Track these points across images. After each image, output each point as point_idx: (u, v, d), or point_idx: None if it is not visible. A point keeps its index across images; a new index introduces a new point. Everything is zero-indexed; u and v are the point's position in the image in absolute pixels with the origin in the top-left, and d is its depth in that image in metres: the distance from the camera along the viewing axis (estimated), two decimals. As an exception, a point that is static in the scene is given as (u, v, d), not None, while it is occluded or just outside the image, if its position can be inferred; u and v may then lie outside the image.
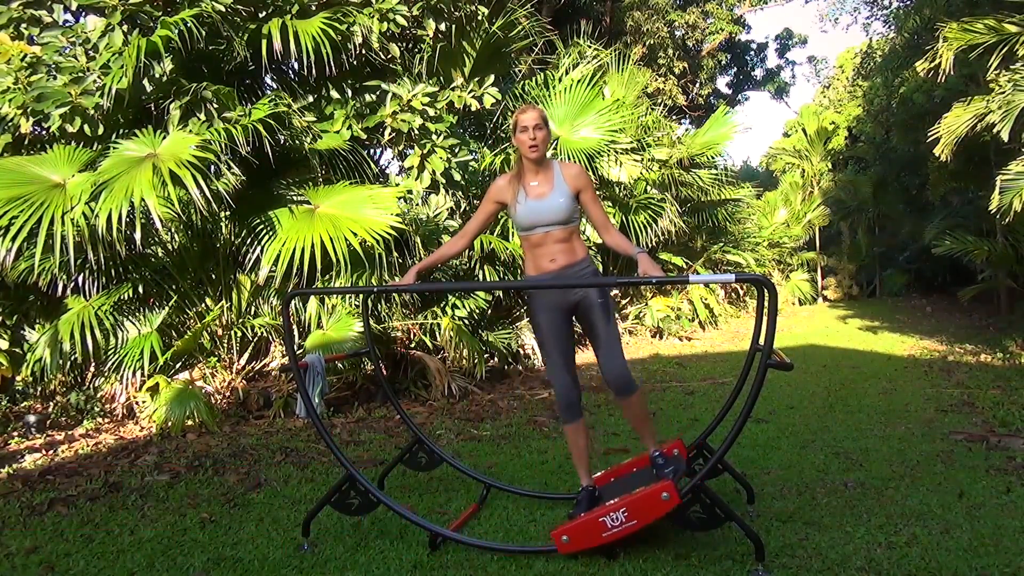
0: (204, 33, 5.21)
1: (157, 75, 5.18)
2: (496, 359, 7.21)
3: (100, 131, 5.23)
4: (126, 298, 5.53)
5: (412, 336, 6.22)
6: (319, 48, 5.63)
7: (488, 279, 6.69)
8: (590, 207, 2.97)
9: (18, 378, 5.55)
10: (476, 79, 6.73)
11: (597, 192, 9.13)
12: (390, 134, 6.20)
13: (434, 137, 6.19)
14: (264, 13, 5.89)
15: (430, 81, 6.58)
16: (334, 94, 6.35)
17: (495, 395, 6.28)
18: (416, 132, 6.14)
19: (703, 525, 2.56)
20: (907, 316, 14.89)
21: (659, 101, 16.16)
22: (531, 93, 8.28)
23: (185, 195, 4.71)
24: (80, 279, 5.47)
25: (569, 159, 7.92)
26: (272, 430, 4.99)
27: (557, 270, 2.93)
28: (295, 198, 5.70)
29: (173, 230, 5.55)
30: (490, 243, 6.68)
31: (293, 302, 5.75)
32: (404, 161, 6.47)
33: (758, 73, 27.22)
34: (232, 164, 5.21)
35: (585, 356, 9.04)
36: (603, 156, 8.19)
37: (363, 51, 6.22)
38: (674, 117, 16.02)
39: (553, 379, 3.04)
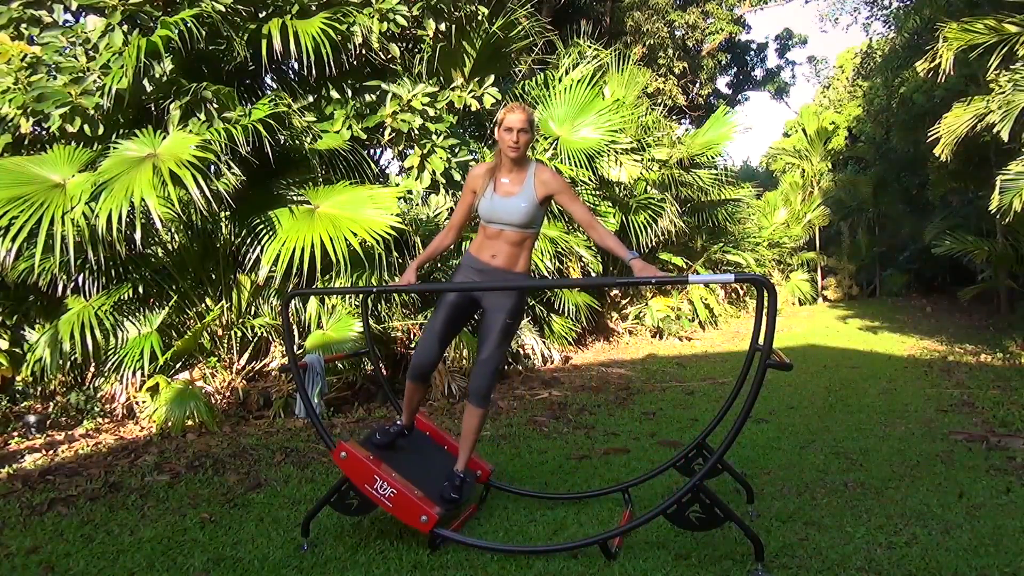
0: (204, 33, 5.21)
1: (157, 75, 5.18)
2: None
3: (100, 131, 5.23)
4: (126, 298, 5.52)
5: (412, 336, 6.22)
6: (319, 48, 5.63)
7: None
8: (569, 207, 2.97)
9: (18, 378, 5.54)
10: (476, 79, 6.73)
11: (597, 191, 9.13)
12: (390, 134, 6.20)
13: (434, 137, 6.19)
14: (264, 13, 5.89)
15: (430, 81, 6.58)
16: (334, 94, 6.35)
17: (495, 395, 6.28)
18: (416, 132, 6.14)
19: (703, 525, 2.56)
20: (907, 316, 14.90)
21: (659, 101, 16.16)
22: (531, 93, 8.29)
23: (185, 195, 4.71)
24: (80, 279, 5.46)
25: (569, 159, 7.92)
26: (272, 430, 4.99)
27: (491, 268, 2.99)
28: (295, 198, 5.70)
29: (173, 230, 5.55)
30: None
31: (293, 302, 5.75)
32: (404, 161, 6.47)
33: (758, 73, 27.23)
34: (232, 164, 5.21)
35: (587, 357, 9.04)
36: (603, 156, 8.19)
37: (363, 51, 6.22)
38: (674, 117, 16.03)
39: (421, 348, 3.11)
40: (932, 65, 8.66)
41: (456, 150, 6.49)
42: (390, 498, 2.71)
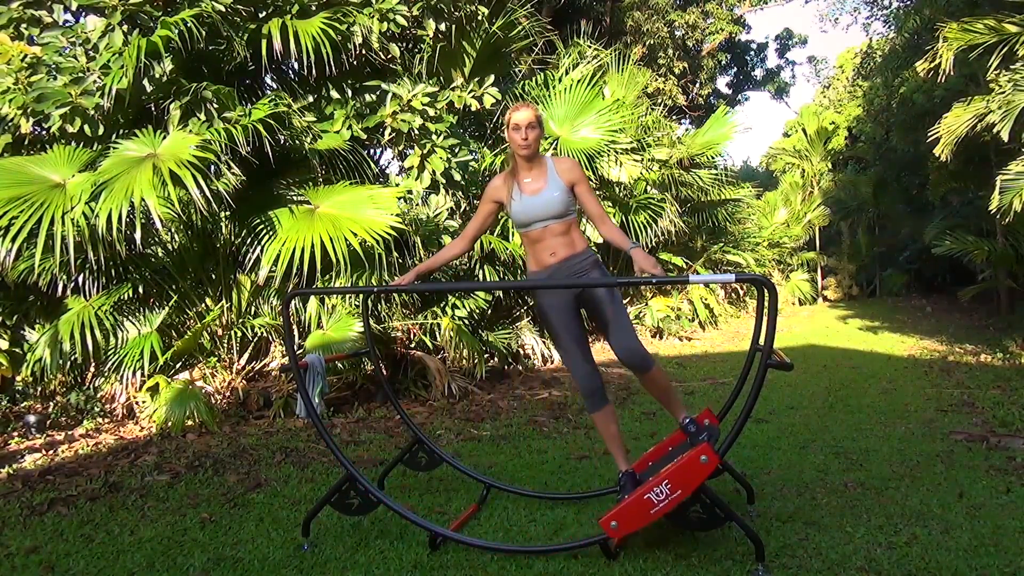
0: (204, 33, 5.21)
1: (157, 75, 5.18)
2: (496, 359, 7.21)
3: (100, 131, 5.22)
4: (126, 298, 5.53)
5: (412, 336, 6.22)
6: (319, 48, 5.63)
7: (488, 279, 6.68)
8: (584, 200, 2.98)
9: (18, 378, 5.54)
10: (476, 79, 6.73)
11: (597, 191, 9.14)
12: (390, 134, 6.20)
13: (434, 137, 6.19)
14: (264, 13, 5.88)
15: (430, 81, 6.57)
16: (334, 94, 6.35)
17: (495, 395, 6.28)
18: (416, 132, 6.14)
19: (703, 525, 2.56)
20: (907, 316, 14.90)
21: (659, 101, 16.15)
22: (531, 93, 8.28)
23: (185, 195, 4.71)
24: (80, 279, 5.46)
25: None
26: (272, 430, 4.99)
27: (558, 263, 2.94)
28: (295, 198, 5.70)
29: (173, 230, 5.55)
30: (490, 243, 6.68)
31: (293, 302, 5.75)
32: (404, 161, 6.46)
33: (758, 73, 27.23)
34: (232, 164, 5.21)
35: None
36: (603, 156, 8.19)
37: (363, 51, 6.22)
38: (674, 117, 16.02)
39: (573, 370, 3.07)
40: (932, 65, 8.65)
41: (456, 150, 6.49)
42: (672, 487, 2.52)
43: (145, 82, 5.15)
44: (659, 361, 8.28)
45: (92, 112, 5.12)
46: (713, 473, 2.93)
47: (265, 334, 5.74)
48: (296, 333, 5.77)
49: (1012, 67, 7.90)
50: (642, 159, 9.46)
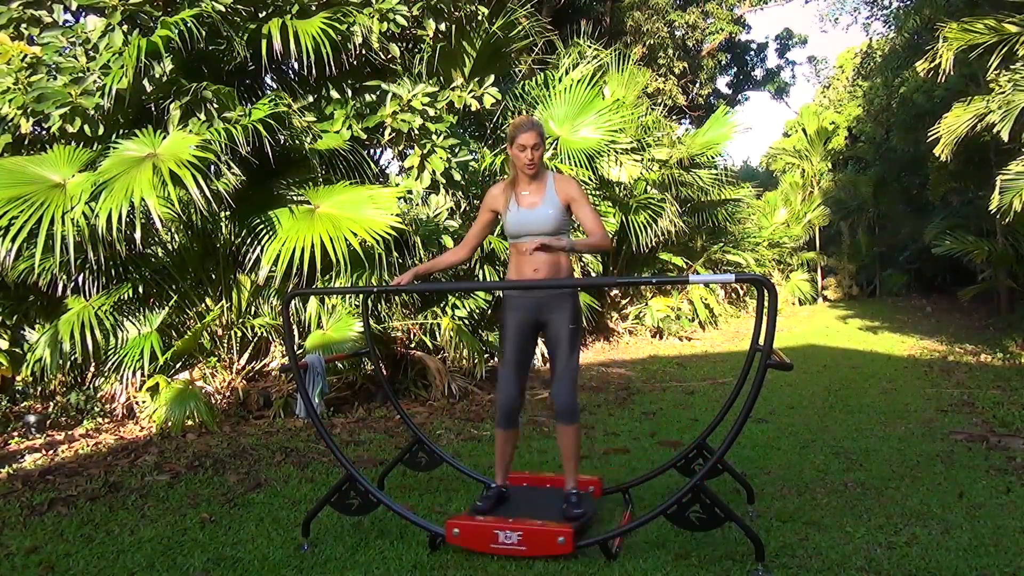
0: (204, 33, 5.21)
1: (157, 75, 5.17)
2: (496, 359, 7.20)
3: (100, 131, 5.22)
4: (126, 298, 5.52)
5: (412, 336, 6.22)
6: (319, 48, 5.63)
7: (488, 279, 6.69)
8: (579, 213, 2.99)
9: (18, 378, 5.54)
10: (476, 79, 6.73)
11: (597, 191, 9.14)
12: (390, 134, 6.20)
13: (434, 137, 6.19)
14: (264, 13, 5.88)
15: (430, 81, 6.57)
16: (334, 94, 6.35)
17: (495, 395, 6.27)
18: (416, 132, 6.13)
19: (703, 525, 2.56)
20: (907, 316, 14.90)
21: (659, 101, 16.15)
22: (531, 93, 8.28)
23: (185, 195, 4.71)
24: (80, 279, 5.46)
25: (569, 159, 7.92)
26: (272, 430, 4.99)
27: (537, 281, 2.94)
28: (295, 198, 5.70)
29: (173, 230, 5.55)
30: (490, 243, 6.68)
31: (293, 302, 5.75)
32: (404, 161, 6.46)
33: (758, 73, 27.22)
34: (232, 164, 5.21)
35: (587, 357, 9.03)
36: (603, 156, 8.19)
37: (363, 51, 6.22)
38: (674, 117, 16.02)
39: (500, 384, 3.06)
40: (932, 65, 8.65)
41: (456, 150, 6.49)
42: (520, 541, 2.60)
43: (145, 82, 5.15)
44: (660, 362, 8.27)
45: (92, 112, 5.12)
46: (713, 473, 2.94)
47: (265, 334, 5.74)
48: (296, 333, 5.77)
49: (1012, 67, 7.90)
50: (642, 159, 9.46)
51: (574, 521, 2.78)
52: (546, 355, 7.82)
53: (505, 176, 3.11)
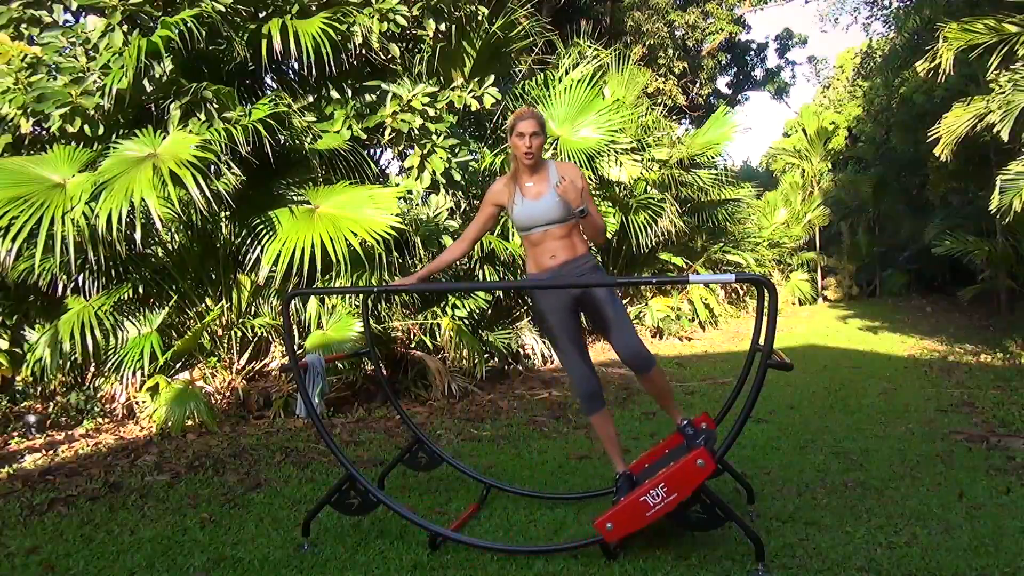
0: (204, 33, 5.21)
1: (157, 75, 5.17)
2: (496, 359, 7.21)
3: (100, 131, 5.22)
4: (126, 298, 5.52)
5: (412, 336, 6.22)
6: (319, 48, 5.63)
7: (488, 279, 6.68)
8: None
9: (18, 378, 5.54)
10: (476, 79, 6.73)
11: (597, 191, 9.13)
12: (390, 134, 6.20)
13: (434, 137, 6.19)
14: (264, 13, 5.88)
15: (430, 81, 6.57)
16: (334, 94, 6.35)
17: (495, 395, 6.28)
18: (416, 132, 6.13)
19: (703, 525, 2.56)
20: (907, 316, 14.89)
21: (659, 101, 16.14)
22: (531, 93, 8.28)
23: (185, 195, 4.71)
24: (80, 279, 5.46)
25: (569, 159, 7.92)
26: (272, 430, 4.99)
27: (557, 266, 2.95)
28: (295, 198, 5.70)
29: (173, 230, 5.54)
30: (490, 243, 6.68)
31: (293, 302, 5.75)
32: (404, 161, 6.46)
33: (758, 73, 27.22)
34: (232, 164, 5.21)
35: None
36: (603, 156, 8.18)
37: (363, 51, 6.22)
38: (674, 117, 16.01)
39: (571, 372, 3.08)
40: (932, 65, 8.65)
41: (456, 150, 6.49)
42: (667, 490, 2.53)
43: (145, 82, 5.15)
44: (660, 362, 8.28)
45: (92, 112, 5.12)
46: (713, 473, 2.93)
47: (265, 334, 5.74)
48: (296, 333, 5.77)
49: (1012, 67, 7.90)
50: (642, 159, 9.46)
51: (699, 443, 2.76)
52: (544, 354, 7.86)
53: (507, 173, 3.10)
